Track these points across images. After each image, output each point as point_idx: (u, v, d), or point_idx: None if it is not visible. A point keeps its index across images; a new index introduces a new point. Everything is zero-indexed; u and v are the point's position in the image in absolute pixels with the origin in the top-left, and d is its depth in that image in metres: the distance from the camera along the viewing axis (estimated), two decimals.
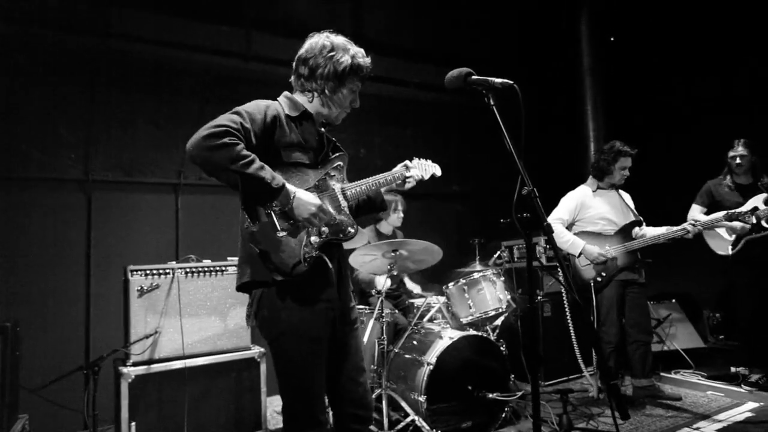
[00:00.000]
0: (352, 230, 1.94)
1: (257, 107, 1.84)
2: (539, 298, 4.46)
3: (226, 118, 1.73)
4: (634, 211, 3.86)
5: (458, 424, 3.17)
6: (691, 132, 5.80)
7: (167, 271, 3.28)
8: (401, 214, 4.34)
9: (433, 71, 5.96)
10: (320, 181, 1.93)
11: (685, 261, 5.25)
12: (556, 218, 3.82)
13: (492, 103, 1.78)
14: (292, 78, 2.01)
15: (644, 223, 3.81)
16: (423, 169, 2.24)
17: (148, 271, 3.22)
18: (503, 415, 3.33)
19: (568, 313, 4.28)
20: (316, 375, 1.85)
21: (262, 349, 3.42)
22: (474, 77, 1.83)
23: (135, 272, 3.19)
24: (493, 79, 1.79)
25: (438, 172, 2.29)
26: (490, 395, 3.25)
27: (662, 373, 4.41)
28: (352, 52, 1.97)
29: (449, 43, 5.96)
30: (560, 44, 6.06)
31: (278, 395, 4.20)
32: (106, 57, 4.26)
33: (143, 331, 3.16)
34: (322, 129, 2.01)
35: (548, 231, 1.67)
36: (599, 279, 3.63)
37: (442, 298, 3.84)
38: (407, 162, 2.22)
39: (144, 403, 3.07)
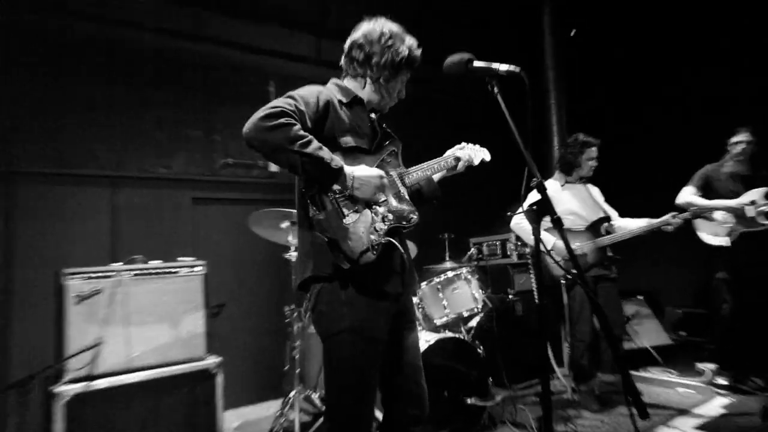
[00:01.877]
0: (415, 217, 1.96)
1: (310, 92, 1.89)
2: (510, 297, 4.47)
3: (281, 101, 1.78)
4: (603, 206, 3.93)
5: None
6: (659, 126, 6.03)
7: (111, 273, 3.09)
8: None
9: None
10: (377, 167, 1.96)
11: (647, 255, 5.45)
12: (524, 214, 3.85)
13: (496, 91, 1.73)
14: (343, 61, 2.06)
15: (616, 217, 3.88)
16: (473, 152, 2.29)
17: (88, 275, 3.02)
18: (481, 422, 3.29)
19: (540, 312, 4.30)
20: (371, 376, 1.87)
21: (219, 359, 3.24)
22: (476, 63, 1.78)
23: (73, 276, 2.98)
24: (497, 65, 1.75)
25: (487, 156, 2.32)
26: (469, 400, 3.20)
27: (631, 371, 4.54)
28: (408, 43, 2.03)
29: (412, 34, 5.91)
30: (523, 38, 6.14)
31: (236, 409, 3.95)
32: (28, 33, 3.89)
33: (82, 342, 2.93)
34: (373, 115, 2.07)
35: (560, 225, 1.63)
36: (569, 276, 3.67)
37: (415, 299, 3.76)
38: (458, 145, 2.30)
39: (82, 427, 2.82)
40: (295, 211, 1.97)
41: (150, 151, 4.38)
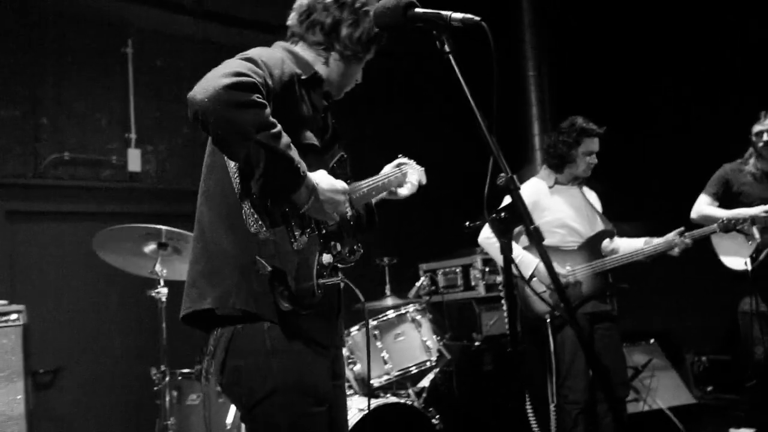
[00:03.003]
0: (360, 251, 2.04)
1: (274, 59, 1.90)
2: (477, 344, 4.54)
3: (245, 66, 1.77)
4: (603, 216, 4.05)
5: None
6: (669, 108, 6.35)
7: None
8: None
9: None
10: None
11: (660, 284, 5.69)
12: None
13: (447, 49, 1.74)
14: (296, 21, 2.09)
15: (615, 234, 4.02)
16: (415, 172, 2.46)
17: None
18: None
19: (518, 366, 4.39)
20: None
21: None
22: (419, 10, 1.78)
23: None
24: (448, 13, 1.75)
25: (424, 179, 2.51)
26: None
27: None
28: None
29: None
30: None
31: None
32: None
33: None
34: (326, 102, 2.11)
35: (538, 239, 1.66)
36: (557, 313, 3.73)
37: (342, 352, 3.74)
38: (400, 160, 2.44)
39: None
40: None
41: None
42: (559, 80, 6.31)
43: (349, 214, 2.08)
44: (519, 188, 1.68)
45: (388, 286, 4.44)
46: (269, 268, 1.80)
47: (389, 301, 4.29)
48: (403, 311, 3.72)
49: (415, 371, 3.65)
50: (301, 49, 2.09)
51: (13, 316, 3.23)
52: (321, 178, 1.89)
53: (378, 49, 2.15)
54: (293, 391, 1.86)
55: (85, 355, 4.36)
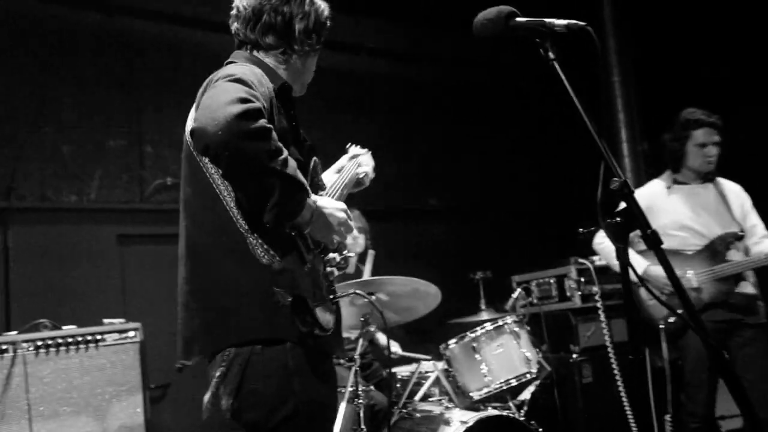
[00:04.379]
0: (349, 254, 2.03)
1: (255, 77, 1.81)
2: (575, 356, 4.44)
3: (243, 90, 1.68)
4: (737, 215, 3.76)
5: None
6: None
7: (4, 347, 3.14)
8: (356, 234, 4.30)
9: (398, 31, 6.00)
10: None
11: None
12: None
13: (552, 56, 1.74)
14: (245, 30, 2.02)
15: (742, 236, 3.74)
16: (369, 161, 2.45)
17: None
18: None
19: (618, 377, 4.28)
20: None
21: None
22: (521, 19, 1.79)
23: None
24: (551, 20, 1.75)
25: (372, 162, 2.51)
26: None
27: None
28: None
29: None
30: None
31: None
32: None
33: None
34: (292, 111, 2.03)
35: (656, 242, 1.62)
36: (671, 320, 3.60)
37: (440, 364, 3.75)
38: (353, 151, 2.45)
39: None
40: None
41: (53, 171, 4.41)
42: (645, 85, 6.15)
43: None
44: (633, 192, 1.66)
45: (482, 300, 4.41)
46: (290, 298, 1.77)
47: (485, 314, 4.26)
48: (500, 323, 3.69)
49: (515, 384, 3.60)
50: (263, 57, 2.03)
51: (131, 333, 3.38)
52: (321, 198, 1.86)
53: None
54: (312, 414, 1.83)
55: (193, 370, 4.47)
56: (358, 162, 2.38)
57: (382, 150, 6.17)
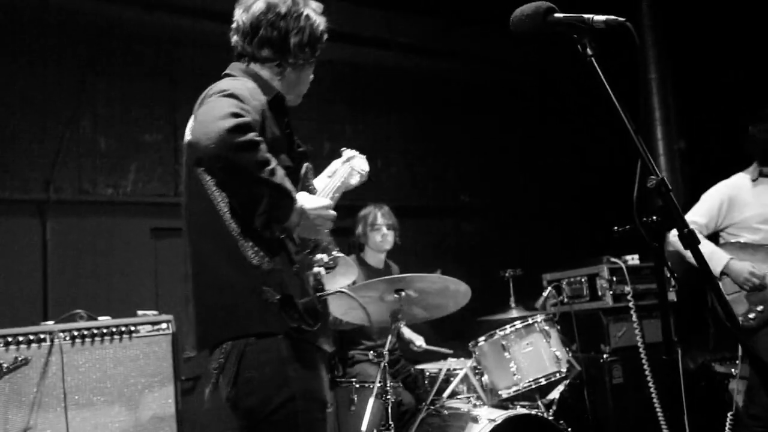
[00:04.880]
0: (339, 254, 2.11)
1: (248, 91, 1.94)
2: (605, 356, 4.40)
3: (234, 105, 1.82)
4: None
5: None
6: None
7: (42, 336, 3.15)
8: (385, 231, 4.31)
9: (430, 26, 5.96)
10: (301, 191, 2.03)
11: None
12: (689, 222, 3.64)
13: (591, 53, 1.72)
14: (243, 43, 2.12)
15: None
16: (362, 162, 2.49)
17: (9, 339, 3.09)
18: None
19: (650, 378, 4.23)
20: None
21: None
22: (559, 15, 1.77)
23: None
24: (590, 15, 1.73)
25: (366, 167, 2.52)
26: None
27: None
28: (315, 7, 2.16)
29: None
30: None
31: None
32: None
33: None
34: (286, 120, 2.14)
35: (693, 241, 1.59)
36: (752, 317, 3.47)
37: (469, 362, 3.74)
38: (347, 153, 2.49)
39: None
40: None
41: (90, 164, 4.48)
42: (682, 83, 6.05)
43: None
44: (670, 190, 1.63)
45: (512, 298, 4.38)
46: (278, 296, 1.87)
47: (515, 312, 4.24)
48: (530, 321, 3.68)
49: (545, 383, 3.58)
50: (259, 69, 2.12)
51: (164, 325, 3.41)
52: (306, 198, 1.94)
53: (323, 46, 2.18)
54: (307, 397, 1.94)
55: None
56: (350, 165, 2.44)
57: (414, 146, 6.25)
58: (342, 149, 2.52)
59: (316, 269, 2.00)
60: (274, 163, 1.80)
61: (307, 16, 2.10)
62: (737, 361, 3.81)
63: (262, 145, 1.79)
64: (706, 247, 3.54)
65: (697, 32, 6.37)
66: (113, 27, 4.62)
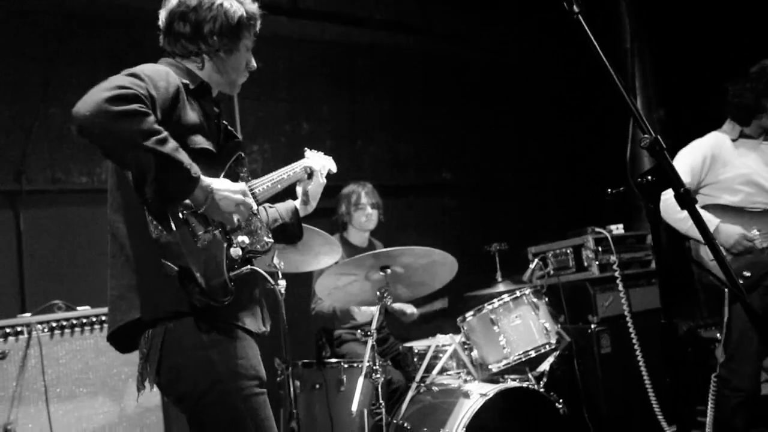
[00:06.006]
0: (270, 240, 2.17)
1: (157, 72, 2.00)
2: (593, 326, 4.41)
3: (127, 80, 1.87)
4: None
5: None
6: None
7: (19, 328, 3.14)
8: (369, 210, 4.30)
9: (410, 4, 5.92)
10: (225, 176, 2.11)
11: None
12: None
13: (577, 9, 1.70)
14: (165, 41, 2.22)
15: None
16: (323, 161, 2.60)
17: None
18: None
19: (637, 347, 4.24)
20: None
21: None
22: None
23: None
24: None
25: (333, 167, 2.64)
26: None
27: None
28: None
29: None
30: None
31: None
32: None
33: None
34: (216, 108, 2.24)
35: (689, 201, 1.57)
36: (741, 281, 3.43)
37: (457, 337, 3.72)
38: (307, 156, 2.58)
39: None
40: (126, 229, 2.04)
41: (63, 153, 4.39)
42: (661, 51, 6.04)
43: (255, 208, 2.14)
44: (665, 148, 1.61)
45: (499, 273, 4.36)
46: (176, 269, 1.87)
47: (501, 287, 4.23)
48: (518, 294, 3.66)
49: (534, 355, 3.58)
50: (183, 62, 2.20)
51: None
52: (217, 181, 1.99)
53: (255, 31, 2.26)
54: (237, 376, 1.97)
55: None
56: (305, 159, 2.55)
57: (394, 125, 6.20)
58: (305, 149, 2.61)
59: (232, 250, 2.01)
60: (162, 135, 1.82)
61: (220, 5, 2.14)
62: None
63: (149, 117, 1.82)
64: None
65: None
66: (77, 12, 4.50)
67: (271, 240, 2.18)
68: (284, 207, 2.51)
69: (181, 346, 1.94)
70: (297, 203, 2.55)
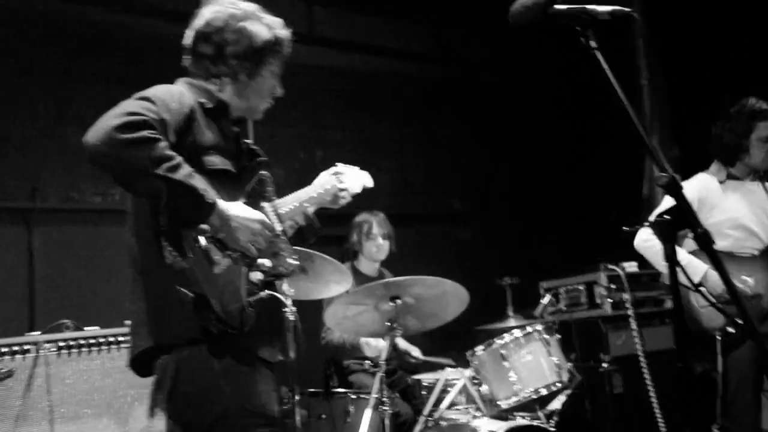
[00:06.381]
0: (294, 263, 2.12)
1: (169, 93, 2.00)
2: (605, 365, 4.35)
3: (138, 105, 1.87)
4: None
5: None
6: None
7: (27, 347, 3.14)
8: (380, 241, 4.30)
9: (421, 32, 5.97)
10: (249, 197, 2.10)
11: None
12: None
13: (594, 44, 1.68)
14: (189, 62, 2.21)
15: None
16: (354, 178, 2.51)
17: None
18: None
19: (650, 388, 4.19)
20: None
21: None
22: (561, 6, 1.73)
23: None
24: (593, 7, 1.70)
25: (370, 182, 2.55)
26: None
27: None
28: (267, 22, 2.20)
29: None
30: None
31: None
32: None
33: None
34: (235, 128, 2.21)
35: (708, 244, 1.55)
36: (731, 329, 3.40)
37: (467, 372, 3.68)
38: (336, 168, 2.50)
39: None
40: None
41: (77, 172, 4.42)
42: (675, 88, 6.04)
43: (279, 229, 2.12)
44: (683, 188, 1.59)
45: (510, 307, 4.34)
46: (191, 296, 1.86)
47: (512, 321, 4.20)
48: (530, 330, 3.63)
49: (545, 393, 3.53)
50: (204, 83, 2.17)
51: None
52: (235, 207, 1.96)
53: (281, 57, 2.22)
54: (244, 413, 1.94)
55: None
56: (338, 179, 2.45)
57: (407, 153, 6.20)
58: (336, 164, 2.52)
59: (254, 275, 1.98)
60: (175, 161, 1.81)
61: (244, 28, 2.12)
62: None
63: (160, 143, 1.81)
64: (681, 255, 3.39)
65: (688, 36, 6.38)
66: (96, 33, 4.58)
67: (296, 262, 2.12)
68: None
69: (193, 375, 1.92)
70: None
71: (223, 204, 1.91)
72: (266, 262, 2.02)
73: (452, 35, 6.15)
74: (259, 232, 1.98)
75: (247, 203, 2.07)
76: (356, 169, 2.54)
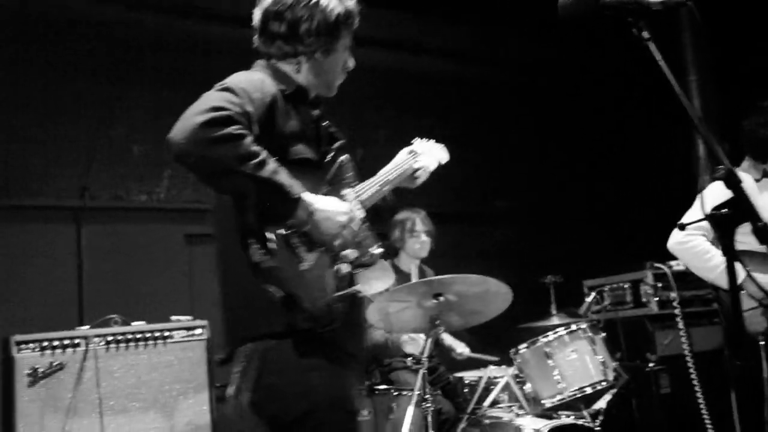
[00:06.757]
0: (379, 250, 2.08)
1: (252, 83, 1.93)
2: (651, 365, 4.28)
3: (221, 99, 1.82)
4: None
5: None
6: None
7: (76, 341, 3.19)
8: (424, 238, 4.28)
9: (463, 31, 5.93)
10: (330, 185, 2.04)
11: None
12: (692, 226, 3.48)
13: (647, 35, 1.64)
14: (260, 42, 2.13)
15: None
16: (430, 154, 2.47)
17: (44, 343, 3.13)
18: None
19: (698, 388, 4.10)
20: None
21: None
22: None
23: (23, 345, 3.10)
24: None
25: (445, 157, 2.54)
26: None
27: None
28: None
29: None
30: None
31: None
32: None
33: None
34: (316, 111, 2.15)
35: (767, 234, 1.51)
36: None
37: (510, 370, 3.67)
38: (412, 147, 2.44)
39: None
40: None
41: (124, 171, 4.51)
42: (723, 83, 5.92)
43: (361, 216, 2.06)
44: (741, 181, 1.56)
45: (554, 305, 4.28)
46: (279, 295, 1.83)
47: (556, 320, 4.14)
48: (575, 328, 3.59)
49: (590, 392, 3.49)
50: (279, 64, 2.10)
51: (198, 331, 3.42)
52: (323, 200, 1.91)
53: (353, 29, 2.14)
54: (333, 407, 1.89)
55: None
56: (415, 158, 2.40)
57: (450, 151, 6.19)
58: (414, 139, 2.48)
59: (338, 266, 1.94)
60: (263, 156, 1.77)
61: (317, 2, 2.04)
62: None
63: (246, 140, 1.76)
64: (718, 258, 3.31)
65: (736, 33, 6.24)
66: (145, 35, 4.67)
67: (378, 251, 2.08)
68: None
69: (280, 367, 1.87)
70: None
71: (308, 197, 1.87)
72: (351, 254, 1.99)
73: (495, 34, 6.11)
74: (346, 224, 1.94)
75: (330, 191, 2.03)
76: (432, 142, 2.51)
